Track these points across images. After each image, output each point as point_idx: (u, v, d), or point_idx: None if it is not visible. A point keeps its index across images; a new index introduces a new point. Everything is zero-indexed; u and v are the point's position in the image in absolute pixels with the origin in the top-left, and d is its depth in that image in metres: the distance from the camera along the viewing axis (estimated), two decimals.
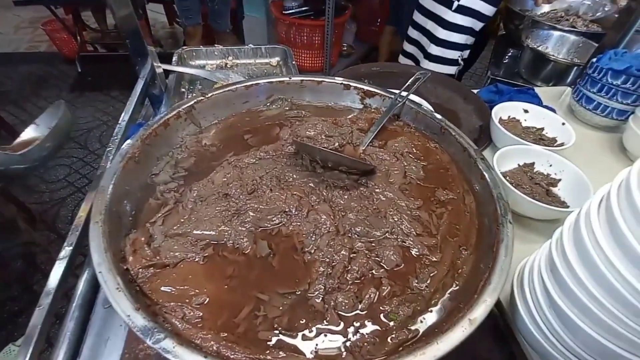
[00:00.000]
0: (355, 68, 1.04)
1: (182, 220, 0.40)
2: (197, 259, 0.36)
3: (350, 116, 0.63)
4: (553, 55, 1.15)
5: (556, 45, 1.25)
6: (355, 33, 3.02)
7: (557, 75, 1.15)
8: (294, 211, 0.42)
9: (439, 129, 0.57)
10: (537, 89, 0.99)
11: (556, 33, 1.24)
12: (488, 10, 1.16)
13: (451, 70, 1.28)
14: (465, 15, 1.17)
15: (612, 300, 0.31)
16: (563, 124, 0.77)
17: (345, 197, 0.45)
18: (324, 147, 0.54)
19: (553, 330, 0.38)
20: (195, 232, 0.38)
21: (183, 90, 0.90)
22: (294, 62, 0.96)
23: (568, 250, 0.35)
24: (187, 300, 0.32)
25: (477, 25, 1.20)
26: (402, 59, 1.44)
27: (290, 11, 2.48)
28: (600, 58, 0.82)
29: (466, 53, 1.27)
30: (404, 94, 0.63)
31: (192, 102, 0.57)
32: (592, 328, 0.34)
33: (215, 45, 1.00)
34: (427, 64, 1.28)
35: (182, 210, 0.42)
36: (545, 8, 1.46)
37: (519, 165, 0.70)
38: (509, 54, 1.36)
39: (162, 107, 0.86)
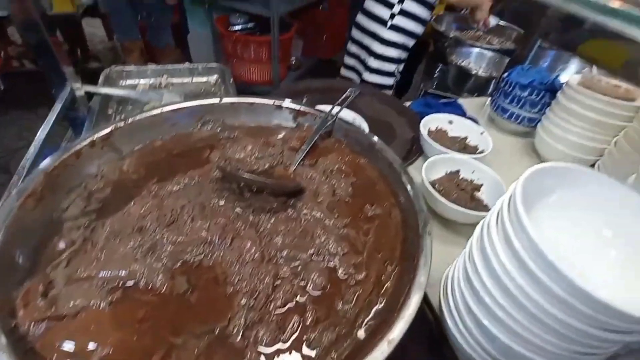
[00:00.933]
0: (295, 84, 1.06)
1: (90, 261, 0.37)
2: (102, 305, 0.33)
3: (282, 135, 0.63)
4: (474, 70, 1.27)
5: (477, 60, 1.39)
6: (302, 47, 3.08)
7: (479, 87, 1.27)
8: (217, 240, 0.41)
9: (367, 144, 0.59)
10: (462, 100, 1.07)
11: (476, 50, 1.39)
12: (418, 29, 1.27)
13: (389, 81, 1.37)
14: (398, 32, 1.27)
15: (517, 308, 0.34)
16: (482, 133, 0.84)
17: (272, 220, 0.45)
18: (253, 170, 0.54)
19: (474, 337, 0.40)
20: (102, 274, 0.35)
21: (110, 112, 0.85)
22: (231, 82, 0.94)
23: (476, 259, 0.38)
24: (87, 355, 0.29)
25: (410, 42, 1.30)
26: (344, 71, 1.50)
27: (236, 27, 2.47)
28: (510, 73, 0.92)
29: (401, 66, 1.36)
30: (336, 110, 0.65)
31: (110, 129, 0.54)
32: (506, 336, 0.36)
33: (149, 64, 0.96)
34: (367, 76, 1.37)
35: (90, 249, 0.39)
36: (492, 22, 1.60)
37: (446, 173, 0.74)
38: (439, 69, 1.47)
39: (84, 132, 0.80)
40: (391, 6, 1.25)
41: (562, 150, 0.83)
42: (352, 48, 1.43)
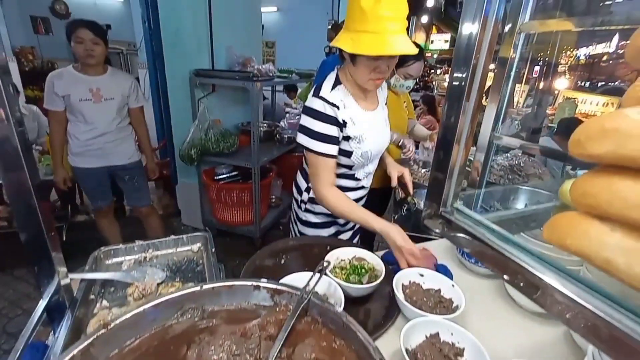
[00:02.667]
0: (273, 245, 1.13)
1: None
2: None
3: (258, 320, 0.65)
4: None
5: None
6: (281, 186, 3.37)
7: None
8: None
9: (342, 324, 0.62)
10: (430, 244, 1.16)
11: None
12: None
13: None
14: (314, 215, 1.30)
15: None
16: (453, 285, 0.89)
17: None
18: None
19: None
20: None
21: (92, 297, 0.86)
22: (213, 250, 1.01)
23: None
24: None
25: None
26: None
27: (222, 176, 2.74)
28: None
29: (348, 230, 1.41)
30: (312, 285, 0.69)
31: (90, 340, 0.55)
32: None
33: (135, 241, 1.03)
34: None
35: None
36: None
37: (426, 337, 0.75)
38: (405, 209, 1.63)
39: (62, 323, 0.78)
40: (300, 192, 1.30)
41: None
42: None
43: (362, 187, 1.30)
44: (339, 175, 1.21)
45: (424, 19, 8.18)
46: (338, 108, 1.06)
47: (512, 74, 0.75)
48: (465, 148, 0.49)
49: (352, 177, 1.23)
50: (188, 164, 2.57)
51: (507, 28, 0.71)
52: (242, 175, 2.77)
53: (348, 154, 1.14)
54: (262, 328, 0.63)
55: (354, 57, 1.01)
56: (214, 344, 0.58)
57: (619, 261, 0.29)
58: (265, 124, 3.30)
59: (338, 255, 0.99)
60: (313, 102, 1.08)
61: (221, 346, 0.58)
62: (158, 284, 0.91)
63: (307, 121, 1.08)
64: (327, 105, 1.06)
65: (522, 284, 0.38)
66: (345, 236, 1.36)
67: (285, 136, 3.07)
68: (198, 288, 0.69)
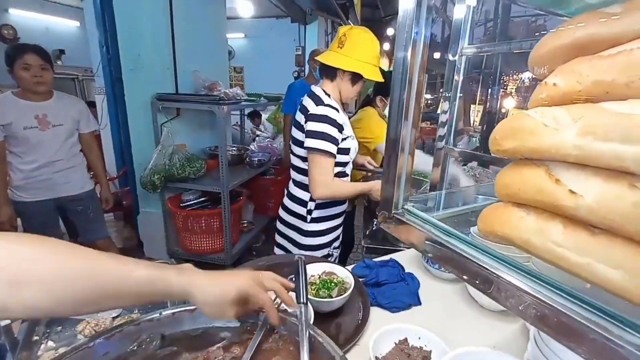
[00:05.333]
0: (242, 267, 1.10)
1: None
2: None
3: (223, 343, 0.62)
4: None
5: None
6: (253, 210, 3.31)
7: None
8: None
9: (313, 338, 0.61)
10: (398, 255, 1.19)
11: None
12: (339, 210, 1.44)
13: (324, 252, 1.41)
14: (319, 222, 1.38)
15: None
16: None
17: None
18: None
19: None
20: None
21: (36, 338, 0.78)
22: None
23: None
24: None
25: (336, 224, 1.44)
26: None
27: (188, 203, 2.65)
28: None
29: (336, 249, 1.47)
30: (279, 300, 0.67)
31: None
32: None
33: None
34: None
35: None
36: None
37: (395, 343, 0.75)
38: (375, 223, 1.66)
39: None
40: (305, 204, 1.37)
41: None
42: (280, 239, 1.48)
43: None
44: (337, 176, 1.36)
45: (386, 46, 8.72)
46: (338, 111, 1.27)
47: (458, 94, 0.82)
48: (409, 157, 0.53)
49: (344, 174, 1.40)
50: (151, 192, 2.47)
51: (450, 53, 0.78)
52: (211, 200, 2.69)
53: (347, 150, 1.34)
54: (227, 350, 0.60)
55: (356, 78, 1.31)
56: None
57: (535, 240, 0.32)
58: (234, 148, 3.28)
59: (308, 272, 0.98)
60: (321, 110, 1.25)
61: None
62: (113, 318, 0.84)
63: (319, 126, 1.23)
64: (332, 111, 1.25)
65: (465, 276, 0.40)
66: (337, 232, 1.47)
67: (256, 159, 3.06)
68: (157, 315, 0.65)
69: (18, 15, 5.33)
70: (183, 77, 2.64)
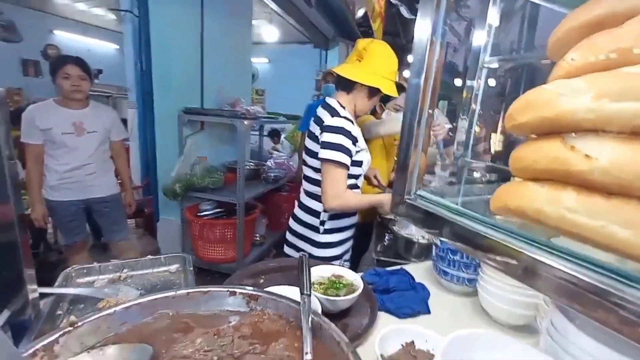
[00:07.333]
0: (252, 267, 1.13)
1: None
2: None
3: (233, 323, 0.65)
4: (416, 238, 1.45)
5: (418, 229, 1.60)
6: (266, 225, 3.35)
7: (424, 252, 1.43)
8: None
9: (318, 324, 0.62)
10: (410, 267, 1.18)
11: None
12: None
13: (337, 251, 1.44)
14: (332, 233, 1.41)
15: None
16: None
17: None
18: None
19: None
20: None
21: (60, 312, 0.82)
22: (191, 268, 1.00)
23: None
24: None
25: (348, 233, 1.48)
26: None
27: (205, 213, 2.73)
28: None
29: (347, 261, 1.49)
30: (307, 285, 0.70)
31: (55, 337, 0.53)
32: None
33: (111, 260, 1.01)
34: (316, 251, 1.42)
35: None
36: None
37: (402, 345, 0.75)
38: (387, 238, 1.66)
39: (24, 340, 0.74)
40: (318, 215, 1.40)
41: (504, 308, 0.88)
42: (290, 251, 1.52)
43: None
44: (349, 188, 1.36)
45: (406, 73, 8.92)
46: (352, 123, 1.31)
47: (478, 104, 0.84)
48: (422, 151, 0.56)
49: (355, 187, 1.41)
50: (171, 199, 2.57)
51: (471, 65, 0.81)
52: (227, 212, 2.76)
53: (360, 163, 1.37)
54: (237, 329, 0.62)
55: (373, 93, 1.34)
56: (185, 342, 0.57)
57: (547, 209, 0.34)
58: (252, 163, 3.38)
59: (317, 273, 1.00)
60: (337, 121, 1.28)
61: (193, 343, 0.57)
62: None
63: (334, 138, 1.26)
64: (348, 123, 1.28)
65: (476, 249, 0.42)
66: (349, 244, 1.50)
67: (272, 175, 3.14)
68: (172, 293, 0.68)
69: (62, 36, 5.84)
70: (208, 93, 2.80)
